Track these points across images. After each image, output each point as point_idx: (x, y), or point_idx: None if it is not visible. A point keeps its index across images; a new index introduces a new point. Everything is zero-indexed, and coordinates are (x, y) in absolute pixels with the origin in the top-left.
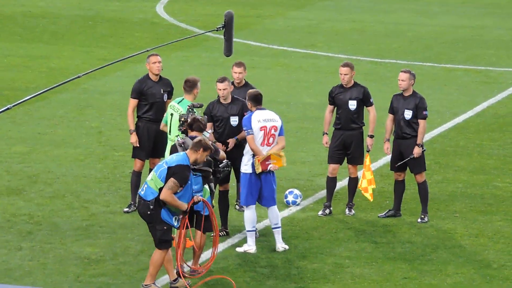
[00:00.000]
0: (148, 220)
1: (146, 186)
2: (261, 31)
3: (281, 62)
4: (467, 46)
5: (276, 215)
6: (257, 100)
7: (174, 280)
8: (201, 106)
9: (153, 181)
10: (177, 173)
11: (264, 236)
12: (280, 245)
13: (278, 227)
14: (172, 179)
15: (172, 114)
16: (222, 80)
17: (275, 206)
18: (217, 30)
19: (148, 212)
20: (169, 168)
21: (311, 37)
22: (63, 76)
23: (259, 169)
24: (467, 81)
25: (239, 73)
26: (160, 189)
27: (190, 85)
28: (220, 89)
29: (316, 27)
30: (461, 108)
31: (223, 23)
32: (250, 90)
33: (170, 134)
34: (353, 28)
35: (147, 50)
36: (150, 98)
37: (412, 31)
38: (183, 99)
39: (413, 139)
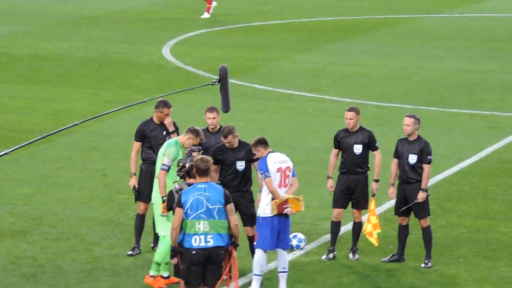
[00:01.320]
0: (218, 261)
1: (211, 236)
2: (266, 74)
3: (286, 106)
4: (472, 91)
5: (285, 259)
6: (266, 144)
7: None
8: (200, 151)
9: (217, 226)
10: (229, 197)
11: (268, 280)
12: None
13: (285, 272)
14: (230, 205)
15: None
16: (211, 110)
17: (286, 251)
18: (212, 85)
19: (222, 252)
20: (224, 204)
21: (317, 81)
22: (69, 119)
23: (275, 212)
24: (473, 126)
25: (213, 118)
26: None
27: (191, 132)
28: (209, 118)
29: (321, 71)
30: (466, 153)
31: (218, 78)
32: (255, 138)
33: (156, 174)
34: (358, 72)
35: (158, 97)
36: (152, 140)
37: (417, 75)
38: (175, 139)
39: (417, 184)
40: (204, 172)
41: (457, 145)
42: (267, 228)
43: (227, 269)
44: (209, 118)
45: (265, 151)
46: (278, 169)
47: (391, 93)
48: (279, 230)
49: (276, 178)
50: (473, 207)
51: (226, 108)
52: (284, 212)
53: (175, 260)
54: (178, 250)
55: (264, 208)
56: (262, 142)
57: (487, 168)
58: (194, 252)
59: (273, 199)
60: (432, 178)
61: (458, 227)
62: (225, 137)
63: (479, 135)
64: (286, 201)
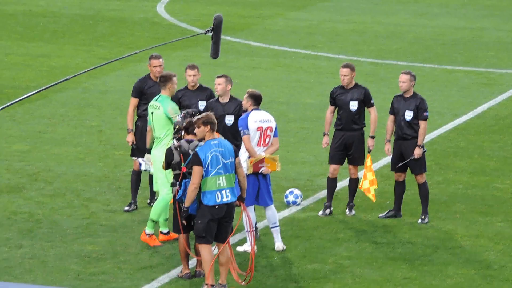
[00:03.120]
0: (232, 217)
1: (229, 190)
2: (261, 32)
3: (281, 63)
4: (467, 48)
5: (273, 214)
6: (257, 101)
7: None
8: (195, 113)
9: (231, 181)
10: (236, 151)
11: (265, 236)
12: (280, 244)
13: (277, 226)
14: (238, 158)
15: (152, 113)
16: (192, 67)
17: (273, 205)
18: (205, 33)
19: (234, 209)
20: (235, 158)
21: (312, 38)
22: (64, 75)
23: (250, 170)
24: (468, 83)
25: (193, 75)
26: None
27: (163, 80)
28: (190, 75)
29: (316, 28)
30: (461, 110)
31: (212, 26)
32: (253, 90)
33: (155, 133)
34: (353, 29)
35: (149, 49)
36: (150, 97)
37: (412, 33)
38: (159, 96)
39: (413, 140)
40: (215, 126)
41: (452, 102)
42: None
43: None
44: (190, 76)
45: (251, 107)
46: (258, 128)
47: (386, 50)
48: (258, 187)
49: (255, 136)
50: (469, 164)
51: (215, 55)
52: (260, 171)
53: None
54: (187, 210)
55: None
56: (254, 97)
57: (483, 125)
58: (217, 207)
59: (249, 157)
60: (428, 135)
61: (455, 183)
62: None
63: (474, 91)
64: (262, 160)
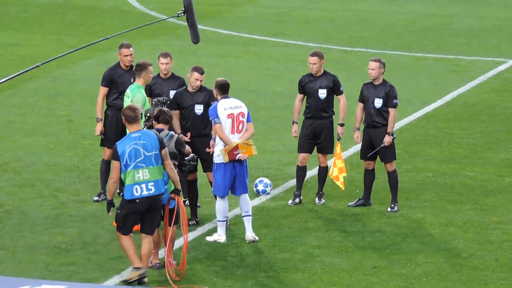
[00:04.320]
0: (158, 209)
1: (152, 183)
2: (231, 19)
3: (251, 51)
4: (437, 35)
5: (247, 203)
6: (224, 89)
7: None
8: (166, 101)
9: (155, 173)
10: (163, 142)
11: (234, 225)
12: (250, 234)
13: (249, 215)
14: (164, 150)
15: (125, 101)
16: (165, 55)
17: (247, 194)
18: (178, 16)
19: (160, 200)
20: (161, 150)
21: (281, 25)
22: (33, 64)
23: (226, 159)
24: (437, 70)
25: (166, 63)
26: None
27: (139, 69)
28: (163, 63)
29: (286, 15)
30: (431, 97)
31: (183, 9)
32: (218, 79)
33: None
34: (323, 16)
35: (116, 35)
36: (120, 86)
37: (382, 20)
38: (133, 84)
39: (383, 128)
40: (134, 119)
41: (422, 89)
42: (220, 175)
43: (173, 217)
44: (162, 64)
45: (219, 96)
46: (228, 115)
47: (356, 37)
48: (234, 176)
49: (227, 124)
50: (439, 151)
51: (196, 39)
52: (236, 158)
53: (111, 213)
54: (113, 203)
55: (218, 154)
56: (219, 87)
57: (452, 112)
58: (137, 201)
59: (225, 146)
60: (397, 122)
61: (424, 171)
62: (202, 73)
63: (444, 79)
64: (236, 147)
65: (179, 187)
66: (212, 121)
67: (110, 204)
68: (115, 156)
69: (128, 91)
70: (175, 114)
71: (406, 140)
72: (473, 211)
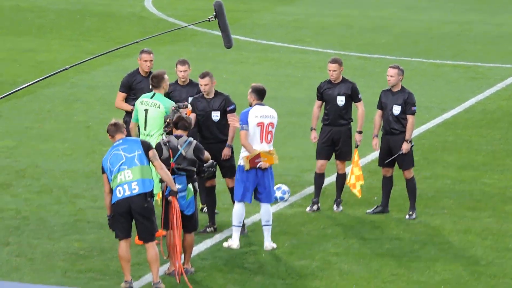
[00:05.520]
0: (144, 214)
1: (135, 182)
2: (249, 26)
3: (269, 57)
4: (455, 42)
5: (268, 213)
6: (260, 94)
7: (158, 282)
8: (186, 106)
9: (140, 172)
10: (150, 144)
11: (253, 232)
12: (268, 244)
13: (269, 225)
14: (152, 151)
15: (146, 110)
16: (203, 75)
17: (269, 205)
18: (209, 21)
19: (145, 205)
20: (144, 151)
21: (299, 32)
22: (50, 70)
23: (247, 166)
24: (456, 77)
25: (184, 71)
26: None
27: (157, 81)
28: (202, 85)
29: (303, 22)
30: (449, 104)
31: (214, 14)
32: (255, 84)
33: (145, 130)
34: (340, 23)
35: (136, 42)
36: (139, 92)
37: (400, 26)
38: (154, 93)
39: (401, 135)
40: (115, 131)
41: (440, 96)
42: (242, 181)
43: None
44: (180, 71)
45: (254, 101)
46: (258, 123)
47: (374, 44)
48: (257, 184)
49: (256, 132)
50: (457, 158)
51: (228, 43)
52: (257, 166)
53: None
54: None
55: (241, 158)
56: (257, 92)
57: (471, 119)
58: (120, 202)
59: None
60: (416, 129)
61: (442, 178)
62: (203, 77)
63: (462, 86)
64: (258, 156)
65: (175, 188)
66: (240, 126)
67: (109, 220)
68: (102, 169)
69: (152, 100)
70: (193, 117)
71: (425, 147)
72: (491, 218)
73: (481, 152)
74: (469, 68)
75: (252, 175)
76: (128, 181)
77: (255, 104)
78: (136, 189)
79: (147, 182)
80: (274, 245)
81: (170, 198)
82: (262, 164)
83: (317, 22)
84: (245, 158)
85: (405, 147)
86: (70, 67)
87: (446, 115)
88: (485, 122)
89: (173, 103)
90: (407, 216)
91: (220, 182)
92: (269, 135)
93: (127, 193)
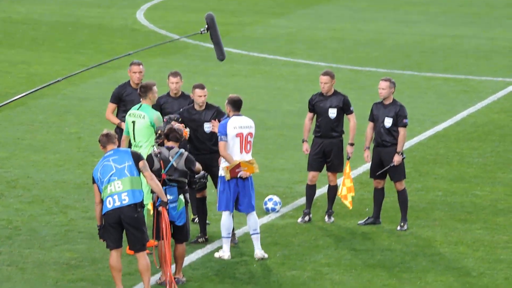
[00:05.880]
0: (134, 224)
1: (125, 193)
2: (241, 39)
3: (261, 70)
4: (446, 55)
5: (254, 221)
6: (236, 105)
7: None
8: (178, 119)
9: (130, 183)
10: (140, 155)
11: (243, 243)
12: (259, 252)
13: (257, 233)
14: (142, 162)
15: (134, 122)
16: (201, 86)
17: (254, 212)
18: (201, 33)
19: (135, 215)
20: (134, 162)
21: (291, 45)
22: (43, 82)
23: (228, 177)
24: (447, 90)
25: (176, 83)
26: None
27: (143, 91)
28: (201, 96)
29: (296, 35)
30: (441, 117)
31: (206, 26)
32: (231, 95)
33: (134, 141)
34: (332, 36)
35: (129, 54)
36: (128, 104)
37: (391, 40)
38: (141, 105)
39: (392, 147)
40: (107, 142)
41: (432, 109)
42: (224, 191)
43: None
44: (172, 83)
45: (231, 112)
46: (237, 134)
47: (365, 57)
48: (237, 193)
49: (235, 143)
50: (449, 171)
51: (221, 56)
52: (238, 176)
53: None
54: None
55: (222, 168)
56: (232, 103)
57: (462, 132)
58: (110, 212)
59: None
60: (407, 142)
61: (434, 190)
62: (202, 88)
63: (454, 99)
64: (238, 165)
65: (165, 199)
66: (219, 137)
67: (99, 229)
68: (93, 179)
69: (138, 111)
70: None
71: (416, 159)
72: (483, 230)
73: (472, 165)
74: (461, 81)
75: (233, 184)
76: (118, 192)
77: (233, 115)
78: (126, 200)
79: (137, 193)
80: (265, 255)
81: (160, 208)
82: (243, 173)
83: (309, 36)
84: (225, 168)
85: (396, 159)
86: (63, 78)
87: (438, 127)
88: (476, 135)
89: (158, 114)
90: (398, 228)
91: (211, 193)
92: (248, 145)
93: (117, 203)
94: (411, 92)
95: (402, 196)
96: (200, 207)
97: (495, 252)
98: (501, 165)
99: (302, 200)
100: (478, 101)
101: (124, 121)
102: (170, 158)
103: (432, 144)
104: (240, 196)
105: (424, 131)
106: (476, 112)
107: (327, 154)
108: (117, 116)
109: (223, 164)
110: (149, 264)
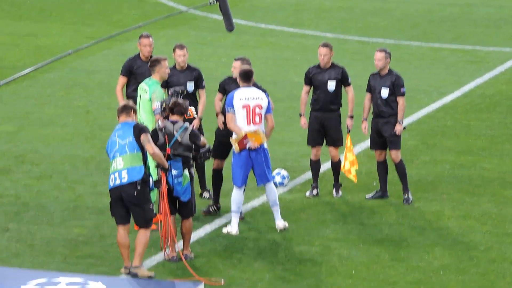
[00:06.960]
0: (135, 202)
1: (125, 171)
2: (248, 9)
3: (268, 41)
4: (455, 24)
5: (272, 192)
6: (245, 77)
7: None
8: (183, 91)
9: (129, 160)
10: (142, 128)
11: (252, 217)
12: (280, 223)
13: (276, 205)
14: (144, 135)
15: (140, 95)
16: (181, 47)
17: (271, 184)
18: (210, 5)
19: (135, 193)
20: (135, 137)
21: (299, 15)
22: (50, 54)
23: (237, 149)
24: (455, 61)
25: (183, 55)
26: (143, 161)
27: (152, 65)
28: (179, 55)
29: (303, 5)
30: (448, 88)
31: None
32: (242, 66)
33: (139, 116)
34: (340, 6)
35: (139, 26)
36: (139, 77)
37: (399, 9)
38: (150, 79)
39: (390, 118)
40: (120, 112)
41: (439, 80)
42: (236, 164)
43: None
44: (179, 56)
45: (241, 84)
46: (243, 105)
47: (374, 27)
48: (251, 166)
49: (241, 114)
50: (457, 143)
51: (230, 26)
52: (247, 147)
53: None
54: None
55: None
56: (241, 75)
57: (470, 103)
58: (114, 189)
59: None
60: (415, 114)
61: (441, 163)
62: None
63: (461, 70)
64: (245, 137)
65: (166, 165)
66: (226, 109)
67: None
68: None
69: (144, 85)
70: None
71: (424, 132)
72: (491, 203)
73: (480, 137)
74: (468, 52)
75: (245, 157)
76: (119, 170)
77: (242, 87)
78: (125, 178)
79: (137, 170)
80: (286, 224)
81: (160, 174)
82: (251, 144)
83: (317, 5)
84: (233, 140)
85: (398, 128)
86: (73, 51)
87: (445, 99)
88: (484, 106)
89: (159, 91)
90: (404, 201)
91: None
92: (257, 117)
93: (117, 181)
94: (419, 63)
95: (400, 168)
96: (215, 177)
97: (503, 226)
98: (509, 137)
99: (310, 174)
100: (486, 71)
101: (132, 96)
102: (174, 132)
103: (440, 116)
104: (254, 167)
105: (431, 102)
106: (484, 83)
107: (326, 128)
108: (127, 89)
109: (233, 137)
110: (146, 240)
